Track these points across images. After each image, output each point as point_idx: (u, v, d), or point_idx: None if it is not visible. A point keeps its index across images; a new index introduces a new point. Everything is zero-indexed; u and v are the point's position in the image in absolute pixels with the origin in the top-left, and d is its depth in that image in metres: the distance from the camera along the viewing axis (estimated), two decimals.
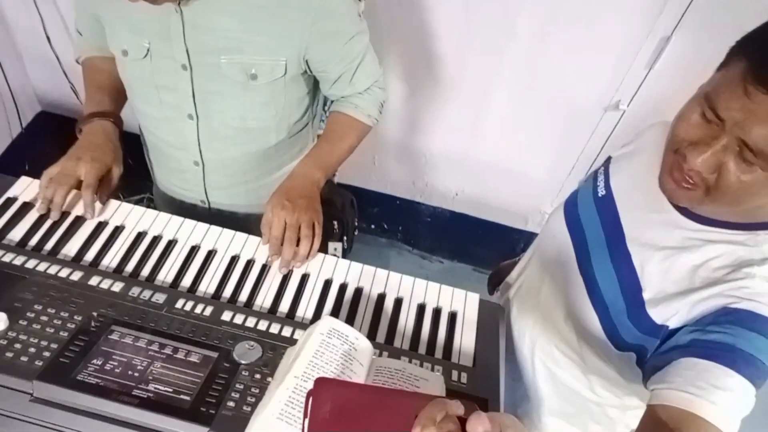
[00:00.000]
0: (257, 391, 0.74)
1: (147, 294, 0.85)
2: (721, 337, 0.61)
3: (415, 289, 0.96)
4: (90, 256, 0.90)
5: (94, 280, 0.85)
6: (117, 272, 0.89)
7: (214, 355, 0.78)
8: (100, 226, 0.95)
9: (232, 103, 0.99)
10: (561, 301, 0.85)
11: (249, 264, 0.94)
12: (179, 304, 0.84)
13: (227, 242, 0.96)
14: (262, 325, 0.84)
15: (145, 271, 0.90)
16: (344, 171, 2.15)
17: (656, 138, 0.80)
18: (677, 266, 0.70)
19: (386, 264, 2.33)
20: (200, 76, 0.95)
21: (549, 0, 1.46)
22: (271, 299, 0.90)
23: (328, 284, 0.94)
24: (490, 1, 1.51)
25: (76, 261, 0.89)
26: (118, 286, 0.85)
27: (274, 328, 0.84)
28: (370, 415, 0.59)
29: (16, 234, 0.91)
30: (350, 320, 0.89)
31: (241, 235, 0.98)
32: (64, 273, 0.85)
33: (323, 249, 2.11)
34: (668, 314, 0.69)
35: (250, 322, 0.84)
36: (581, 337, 0.81)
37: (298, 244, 0.93)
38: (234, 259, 0.94)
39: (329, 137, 1.09)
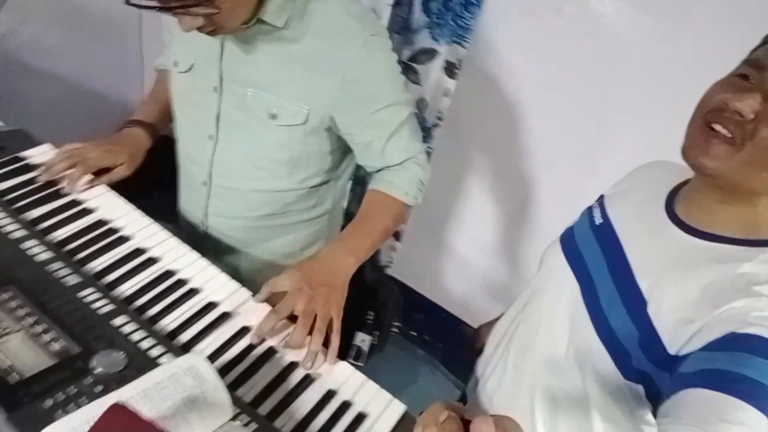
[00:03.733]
0: (87, 401, 0.66)
1: (64, 272, 0.82)
2: (729, 366, 0.57)
3: (338, 371, 0.83)
4: (45, 224, 0.91)
5: (29, 243, 0.85)
6: (58, 245, 0.88)
7: (76, 350, 0.72)
8: (73, 204, 0.97)
9: (249, 135, 0.99)
10: (563, 337, 0.80)
11: (179, 283, 0.88)
12: (86, 292, 0.80)
13: (175, 257, 0.92)
14: (147, 343, 0.76)
15: (82, 254, 0.88)
16: (399, 264, 2.07)
17: (651, 176, 0.79)
18: (687, 288, 0.66)
19: (414, 379, 2.13)
20: (227, 102, 0.98)
21: (631, 145, 1.34)
22: (177, 324, 0.82)
23: (244, 331, 0.84)
24: (573, 139, 1.44)
25: (31, 224, 0.90)
26: (45, 255, 0.84)
27: (156, 351, 0.75)
28: None
29: (1, 185, 0.96)
30: (245, 376, 0.78)
31: (193, 255, 0.94)
32: (11, 227, 0.87)
33: (350, 338, 2.04)
34: (680, 341, 0.64)
35: (138, 335, 0.77)
36: (586, 373, 0.76)
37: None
38: (168, 274, 0.89)
39: (362, 217, 1.02)
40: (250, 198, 1.07)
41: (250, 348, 0.82)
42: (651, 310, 0.69)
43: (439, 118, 1.64)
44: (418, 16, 1.50)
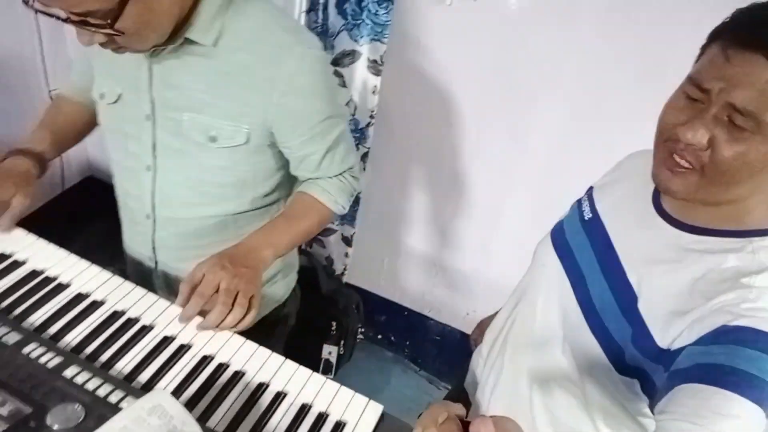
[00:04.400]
0: None
1: (2, 331, 0.77)
2: (722, 359, 0.58)
3: (308, 383, 0.81)
4: None
5: None
6: None
7: (27, 410, 0.67)
8: (2, 259, 0.91)
9: (190, 161, 0.95)
10: (558, 332, 0.81)
11: (130, 322, 0.84)
12: (29, 348, 0.75)
13: (119, 296, 0.88)
14: (104, 390, 0.72)
15: (19, 309, 0.83)
16: (353, 269, 2.06)
17: (638, 165, 0.79)
18: (676, 282, 0.67)
19: (387, 381, 2.12)
20: (162, 130, 0.94)
21: (561, 120, 1.40)
22: (134, 365, 0.78)
23: (205, 360, 0.81)
24: (501, 119, 1.48)
25: None
26: None
27: (115, 396, 0.71)
28: None
29: None
30: (213, 406, 0.75)
31: (139, 291, 0.90)
32: None
33: (317, 353, 2.01)
34: (671, 335, 0.65)
35: (93, 383, 0.72)
36: (582, 368, 0.77)
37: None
38: (115, 315, 0.85)
39: (288, 215, 1.01)
40: (200, 226, 1.03)
41: (215, 376, 0.79)
42: (642, 306, 0.69)
43: (372, 117, 1.64)
44: (334, 19, 1.50)
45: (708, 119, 0.60)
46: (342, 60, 1.56)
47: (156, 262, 1.08)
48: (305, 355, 2.02)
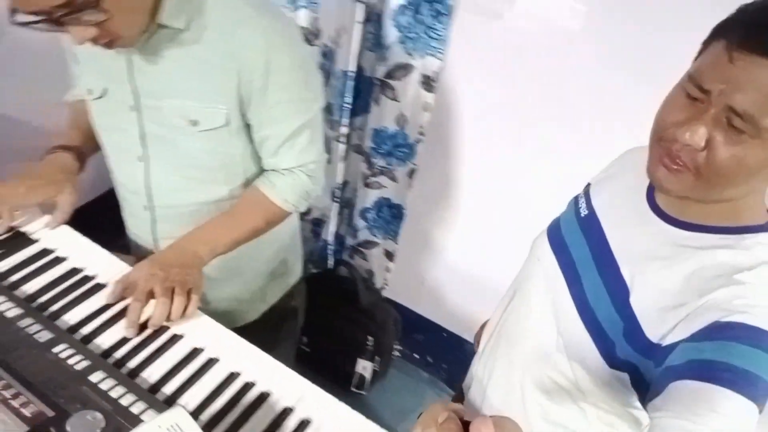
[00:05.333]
0: None
1: (34, 329, 0.77)
2: (715, 356, 0.58)
3: (334, 413, 0.77)
4: (13, 278, 0.86)
5: None
6: (27, 300, 0.82)
7: (50, 414, 0.66)
8: (44, 254, 0.91)
9: (176, 148, 0.94)
10: (552, 326, 0.80)
11: (161, 329, 0.83)
12: (59, 348, 0.75)
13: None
14: (127, 400, 0.70)
15: (54, 307, 0.83)
16: (394, 285, 2.02)
17: (635, 160, 0.78)
18: (669, 278, 0.67)
19: (420, 402, 2.06)
20: (147, 119, 0.93)
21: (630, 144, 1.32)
22: (160, 374, 0.77)
23: (232, 377, 0.79)
24: (557, 142, 1.41)
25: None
26: (13, 312, 0.78)
27: (137, 408, 0.70)
28: None
29: None
30: (235, 428, 0.73)
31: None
32: None
33: (351, 366, 1.98)
34: (662, 330, 0.65)
35: (116, 392, 0.71)
36: (574, 361, 0.76)
37: None
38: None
39: (232, 212, 0.99)
40: (196, 213, 1.01)
41: (240, 395, 0.77)
42: (633, 300, 0.69)
43: (421, 134, 1.60)
44: (389, 31, 1.48)
45: (707, 120, 0.59)
46: (395, 73, 1.53)
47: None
48: (338, 367, 1.99)
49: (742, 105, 0.57)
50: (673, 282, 0.66)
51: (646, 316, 0.67)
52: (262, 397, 0.77)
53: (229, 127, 0.91)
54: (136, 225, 1.08)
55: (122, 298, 0.86)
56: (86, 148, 1.06)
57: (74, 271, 0.90)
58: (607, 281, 0.73)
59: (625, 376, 0.70)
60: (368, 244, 1.95)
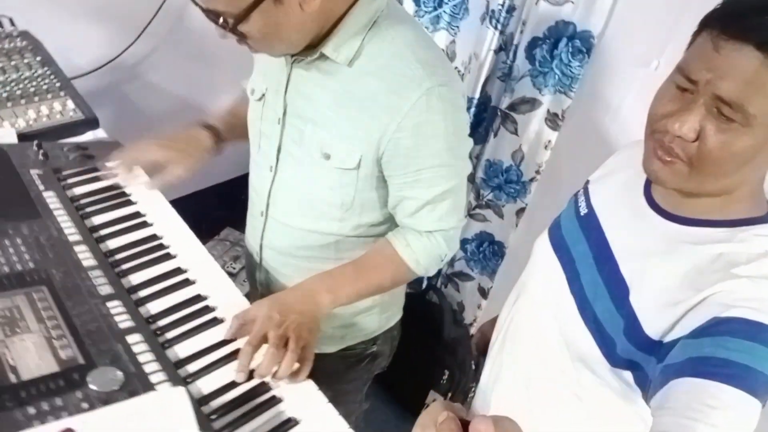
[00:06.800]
0: (66, 416, 0.64)
1: (100, 281, 0.84)
2: (715, 352, 0.58)
3: None
4: (103, 232, 0.95)
5: (80, 248, 0.88)
6: (106, 255, 0.90)
7: (80, 361, 0.71)
8: (135, 216, 0.99)
9: (304, 172, 0.95)
10: (554, 326, 0.81)
11: (205, 309, 0.86)
12: (112, 304, 0.81)
13: (210, 282, 0.91)
14: (150, 368, 0.74)
15: (125, 266, 0.90)
16: (483, 323, 1.92)
17: (632, 155, 0.79)
18: (668, 273, 0.67)
19: None
20: (287, 135, 0.95)
21: None
22: (188, 353, 0.79)
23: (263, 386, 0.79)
24: None
25: (90, 230, 0.93)
26: (89, 262, 0.86)
27: (156, 377, 0.73)
28: None
29: (78, 189, 1.02)
30: (243, 420, 0.73)
31: (227, 283, 0.92)
32: (69, 230, 0.91)
33: (422, 396, 1.91)
34: (663, 327, 0.65)
35: (145, 357, 0.75)
36: (576, 360, 0.77)
37: None
38: (197, 298, 0.87)
39: (361, 262, 0.95)
40: (301, 236, 1.02)
41: (257, 391, 0.77)
42: (633, 298, 0.69)
43: (538, 172, 1.51)
44: (521, 62, 1.41)
45: (696, 111, 0.60)
46: (519, 107, 1.46)
47: (261, 259, 1.10)
48: (405, 395, 1.94)
49: (728, 93, 0.57)
50: (671, 278, 0.67)
51: (645, 314, 0.68)
52: (274, 401, 0.76)
53: (358, 171, 0.89)
54: (252, 225, 1.12)
55: (240, 336, 0.83)
56: (229, 134, 1.12)
57: (153, 237, 0.97)
58: (607, 279, 0.74)
59: (628, 374, 0.70)
60: (463, 276, 1.88)
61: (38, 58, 1.38)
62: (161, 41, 1.81)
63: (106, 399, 0.68)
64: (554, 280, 0.82)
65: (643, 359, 0.67)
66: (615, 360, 0.71)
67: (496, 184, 1.61)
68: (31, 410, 0.64)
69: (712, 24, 0.60)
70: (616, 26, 1.24)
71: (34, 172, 1.02)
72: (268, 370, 0.77)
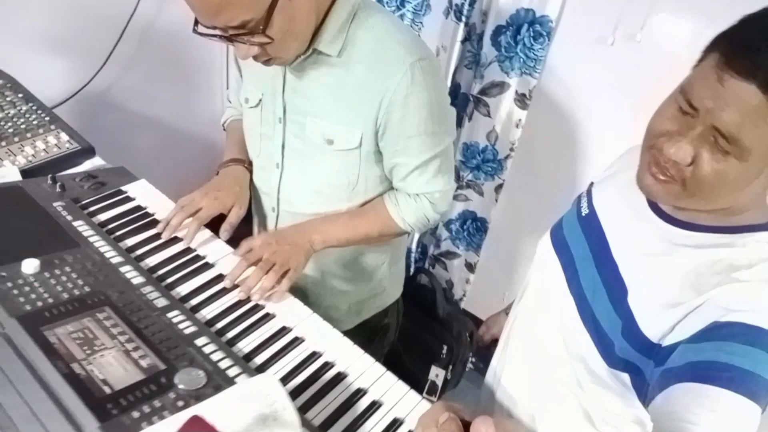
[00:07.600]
0: (169, 414, 0.70)
1: (154, 295, 0.89)
2: (714, 356, 0.58)
3: (404, 399, 0.83)
4: (139, 251, 1.00)
5: (125, 268, 0.93)
6: (150, 271, 0.96)
7: (162, 366, 0.78)
8: (187, 252, 1.03)
9: (310, 162, 1.05)
10: (554, 326, 0.82)
11: (255, 308, 0.93)
12: (173, 314, 0.87)
13: None
14: (225, 364, 0.80)
15: (170, 279, 0.95)
16: (472, 297, 2.05)
17: (633, 159, 0.78)
18: (667, 276, 0.68)
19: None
20: (290, 132, 1.04)
21: None
22: (253, 346, 0.87)
23: (314, 355, 0.87)
24: None
25: (128, 251, 0.98)
26: (138, 279, 0.91)
27: (233, 371, 0.80)
28: None
29: (103, 215, 1.06)
30: (313, 401, 0.81)
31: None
32: (110, 254, 0.95)
33: (425, 373, 2.02)
34: (661, 330, 0.65)
35: (217, 356, 0.81)
36: (575, 360, 0.78)
37: None
38: (246, 300, 0.94)
39: (355, 213, 1.08)
40: None
41: (319, 373, 0.85)
42: (631, 299, 0.70)
43: (512, 149, 1.64)
44: (488, 50, 1.53)
45: (693, 137, 0.60)
46: (490, 90, 1.58)
47: None
48: (411, 372, 2.04)
49: (726, 126, 0.57)
50: (670, 280, 0.67)
51: (644, 315, 0.68)
52: (339, 377, 0.85)
53: (361, 149, 1.00)
54: (262, 223, 1.20)
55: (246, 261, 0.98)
56: (249, 161, 1.19)
57: (188, 251, 1.02)
58: (606, 280, 0.74)
59: (626, 376, 0.70)
60: (450, 254, 1.99)
61: (20, 95, 1.39)
62: (128, 64, 1.83)
63: (197, 396, 0.74)
64: (554, 279, 0.84)
65: (640, 361, 0.68)
66: (613, 360, 0.72)
67: (475, 165, 1.73)
68: (135, 414, 0.70)
69: (722, 49, 0.59)
70: (571, 9, 1.38)
71: (57, 204, 1.05)
72: (249, 285, 0.93)
